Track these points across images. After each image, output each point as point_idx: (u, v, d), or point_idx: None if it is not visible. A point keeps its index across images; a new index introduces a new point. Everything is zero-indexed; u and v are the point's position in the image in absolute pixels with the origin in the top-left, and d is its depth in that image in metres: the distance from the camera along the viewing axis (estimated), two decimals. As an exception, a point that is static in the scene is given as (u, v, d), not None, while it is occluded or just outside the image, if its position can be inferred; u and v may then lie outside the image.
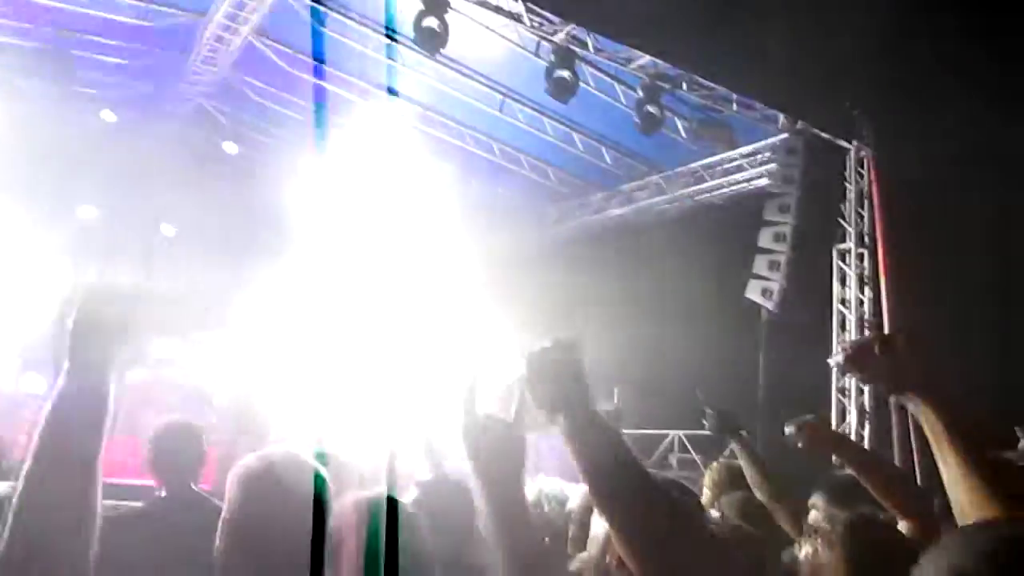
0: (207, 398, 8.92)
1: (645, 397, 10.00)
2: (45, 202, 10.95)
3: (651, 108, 8.22)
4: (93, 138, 10.76)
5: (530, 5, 7.20)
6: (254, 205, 11.12)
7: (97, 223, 11.53)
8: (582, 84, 8.09)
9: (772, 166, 9.06)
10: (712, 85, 8.28)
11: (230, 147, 11.05)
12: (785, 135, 8.84)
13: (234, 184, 11.90)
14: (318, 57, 9.41)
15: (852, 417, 8.33)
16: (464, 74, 9.16)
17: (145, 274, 11.20)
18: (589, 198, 11.19)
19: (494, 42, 8.39)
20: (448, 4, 6.90)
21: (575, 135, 9.95)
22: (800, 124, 8.58)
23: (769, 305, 8.72)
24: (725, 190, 9.92)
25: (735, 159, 9.63)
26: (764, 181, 9.26)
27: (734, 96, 8.41)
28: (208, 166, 11.61)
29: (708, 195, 10.10)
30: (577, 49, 7.66)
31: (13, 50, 9.18)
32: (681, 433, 9.82)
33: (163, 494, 3.36)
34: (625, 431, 10.28)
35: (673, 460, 9.80)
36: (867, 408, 8.28)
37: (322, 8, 8.56)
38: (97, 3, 8.64)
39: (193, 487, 3.36)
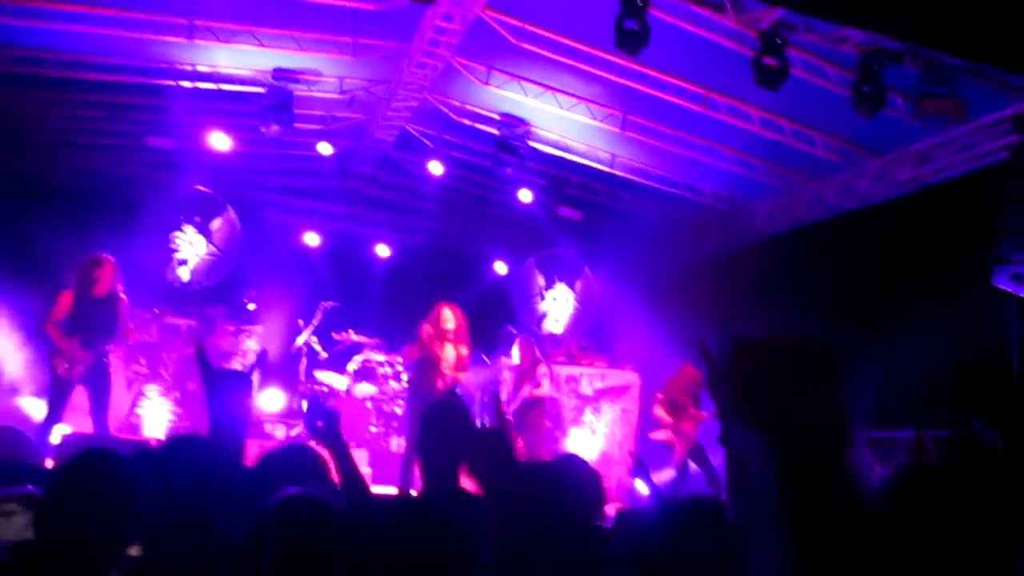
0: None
1: (880, 398, 9.34)
2: (272, 228, 11.97)
3: (869, 87, 7.65)
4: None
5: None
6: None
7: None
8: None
9: (1014, 137, 8.18)
10: (938, 55, 7.59)
11: (435, 167, 11.42)
12: (1029, 102, 7.95)
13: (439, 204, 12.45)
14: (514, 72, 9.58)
15: None
16: (663, 72, 8.97)
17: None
18: (801, 189, 10.61)
19: (692, 35, 8.14)
20: (648, 3, 6.75)
21: (783, 123, 9.47)
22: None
23: (1022, 291, 7.86)
24: (957, 169, 9.08)
25: (968, 134, 8.79)
26: (1005, 155, 8.38)
27: (965, 64, 7.66)
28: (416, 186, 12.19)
29: (937, 176, 9.28)
30: (785, 34, 7.25)
31: (247, 97, 9.99)
32: (927, 433, 9.06)
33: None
34: (864, 434, 9.68)
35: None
36: None
37: (518, 23, 8.67)
38: (309, 43, 9.19)
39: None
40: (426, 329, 8.25)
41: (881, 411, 9.15)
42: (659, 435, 8.98)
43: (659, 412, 9.02)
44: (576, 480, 3.59)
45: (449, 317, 8.27)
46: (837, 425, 1.27)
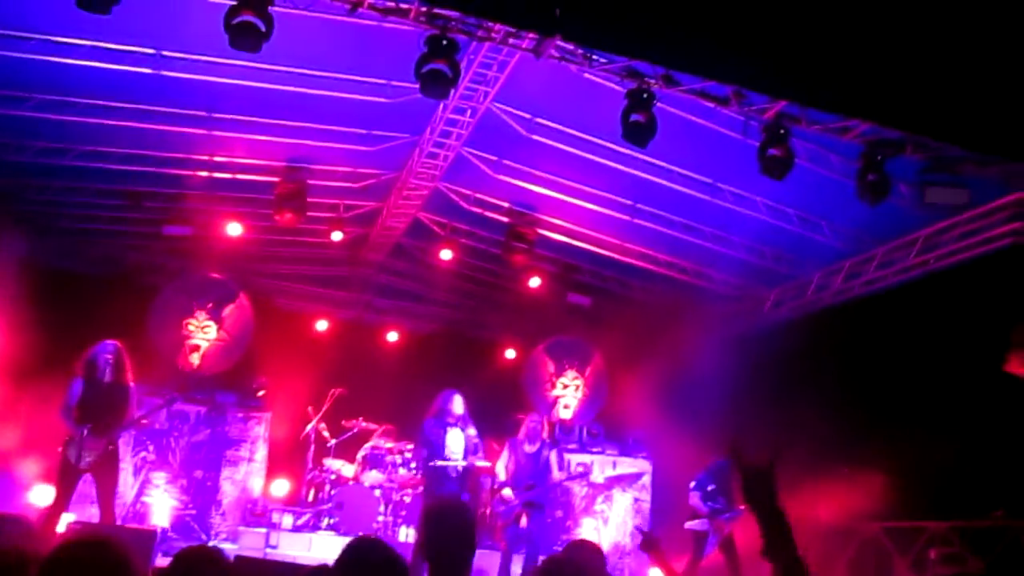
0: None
1: (891, 487, 9.21)
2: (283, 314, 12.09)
3: (873, 176, 7.78)
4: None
5: (739, 89, 7.09)
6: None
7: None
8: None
9: (1018, 223, 8.26)
10: (940, 144, 7.74)
11: (445, 254, 11.56)
12: (1033, 188, 8.06)
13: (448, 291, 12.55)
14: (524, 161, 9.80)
15: None
16: (670, 162, 9.17)
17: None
18: (808, 276, 10.68)
19: (698, 127, 8.35)
20: (655, 97, 6.95)
21: (789, 212, 9.61)
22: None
23: (1035, 378, 7.82)
24: (963, 255, 9.14)
25: (971, 220, 8.88)
26: (1008, 241, 8.45)
27: (966, 153, 7.80)
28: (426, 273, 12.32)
29: (943, 262, 9.34)
30: (789, 125, 7.42)
31: (262, 186, 10.22)
32: (945, 525, 8.88)
33: None
34: (880, 523, 9.48)
35: (935, 555, 8.85)
36: None
37: (528, 116, 8.92)
38: (324, 134, 9.44)
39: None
40: (431, 417, 8.26)
41: (898, 503, 9.02)
42: (694, 524, 8.82)
43: (696, 502, 8.87)
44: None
45: (457, 402, 8.27)
46: None
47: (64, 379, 7.55)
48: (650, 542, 4.02)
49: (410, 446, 9.88)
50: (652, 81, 7.12)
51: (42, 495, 8.48)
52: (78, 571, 2.32)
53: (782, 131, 7.34)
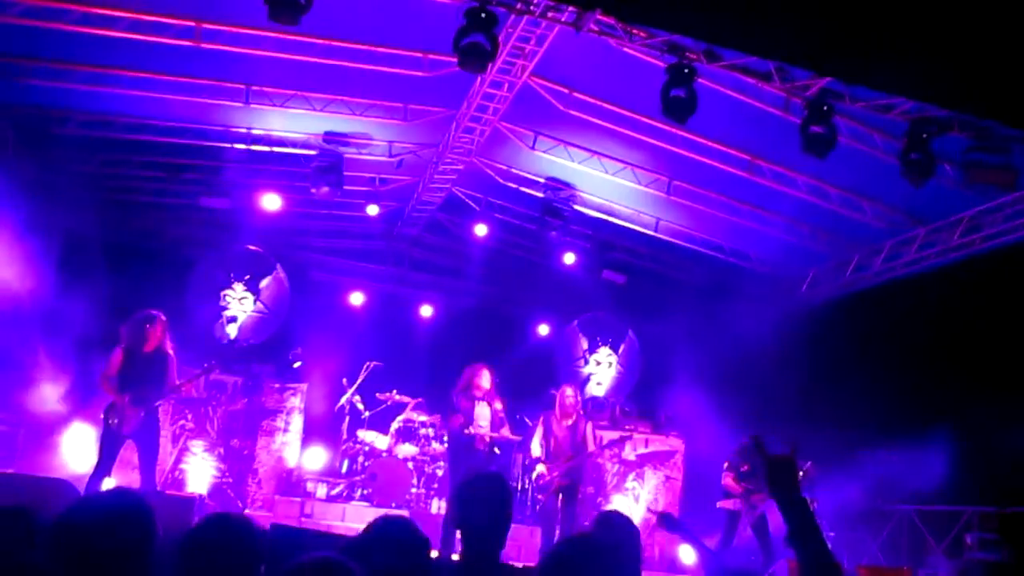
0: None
1: (929, 470, 9.10)
2: (319, 287, 12.21)
3: (917, 155, 7.62)
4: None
5: (782, 65, 6.97)
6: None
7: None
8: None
9: (1068, 206, 8.07)
10: (988, 124, 7.56)
11: (480, 229, 11.55)
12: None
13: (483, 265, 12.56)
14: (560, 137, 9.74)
15: None
16: (709, 139, 9.06)
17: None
18: (847, 256, 10.52)
19: (739, 103, 8.23)
20: (696, 73, 6.86)
21: (830, 190, 9.45)
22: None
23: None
24: (1007, 237, 8.95)
25: (1018, 201, 8.68)
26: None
27: (1014, 132, 7.61)
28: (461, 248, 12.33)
29: (987, 244, 9.15)
30: (832, 102, 7.28)
31: (299, 159, 10.28)
32: (980, 510, 8.77)
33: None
34: (915, 506, 9.40)
35: (971, 540, 8.74)
36: None
37: (566, 91, 8.84)
38: (362, 107, 9.44)
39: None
40: (459, 391, 8.26)
41: (938, 487, 8.91)
42: (726, 503, 8.79)
43: (729, 481, 8.82)
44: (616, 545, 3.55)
45: (485, 377, 8.25)
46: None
47: (105, 348, 7.68)
48: (665, 520, 3.96)
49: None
50: (694, 56, 7.03)
51: (75, 449, 8.68)
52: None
53: (825, 108, 7.21)
